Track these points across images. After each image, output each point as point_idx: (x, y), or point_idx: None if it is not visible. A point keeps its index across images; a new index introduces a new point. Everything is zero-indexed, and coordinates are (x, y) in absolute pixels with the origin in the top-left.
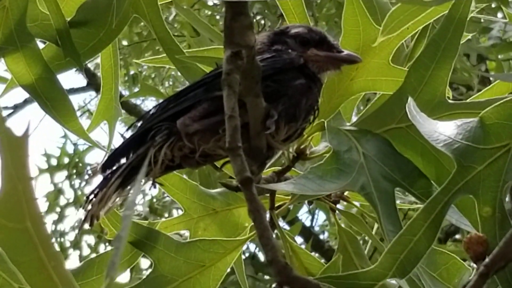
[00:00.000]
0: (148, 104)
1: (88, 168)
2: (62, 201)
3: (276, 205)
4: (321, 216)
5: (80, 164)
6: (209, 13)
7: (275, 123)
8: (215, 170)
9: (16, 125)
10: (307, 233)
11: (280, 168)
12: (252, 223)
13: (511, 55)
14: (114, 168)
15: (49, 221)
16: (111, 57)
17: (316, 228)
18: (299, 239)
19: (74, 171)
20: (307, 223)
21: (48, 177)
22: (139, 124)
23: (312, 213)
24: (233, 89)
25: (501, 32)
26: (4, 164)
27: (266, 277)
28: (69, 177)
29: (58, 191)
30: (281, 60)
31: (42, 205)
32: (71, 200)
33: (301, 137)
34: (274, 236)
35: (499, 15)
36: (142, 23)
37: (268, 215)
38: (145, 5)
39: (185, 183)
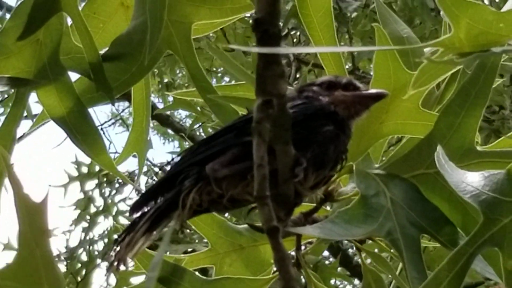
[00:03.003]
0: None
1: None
2: (92, 209)
3: (304, 242)
4: None
5: (111, 173)
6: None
7: (303, 170)
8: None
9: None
10: (335, 248)
11: (308, 209)
12: None
13: None
14: (143, 211)
15: (78, 229)
16: (143, 90)
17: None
18: (326, 253)
19: (105, 179)
20: None
21: (79, 185)
22: (169, 167)
23: None
24: (263, 138)
25: None
26: (22, 230)
27: None
28: (99, 185)
29: (88, 199)
30: (312, 106)
31: (72, 213)
32: (101, 208)
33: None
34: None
35: None
36: None
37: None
38: (178, 42)
39: (212, 218)
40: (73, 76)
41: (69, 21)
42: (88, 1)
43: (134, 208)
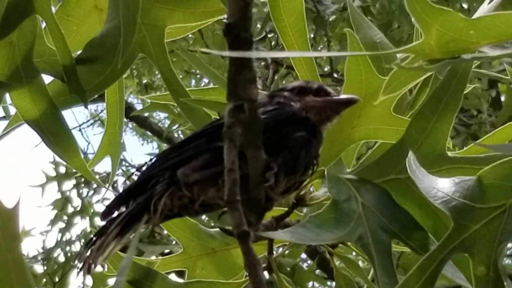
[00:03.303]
0: (160, 113)
1: (97, 177)
2: (69, 209)
3: (276, 246)
4: None
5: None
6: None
7: (274, 175)
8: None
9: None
10: (313, 251)
11: (280, 214)
12: None
13: None
14: (114, 215)
15: (55, 229)
16: (117, 92)
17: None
18: (304, 256)
19: (82, 179)
20: None
21: (56, 185)
22: (140, 172)
23: None
24: (234, 143)
25: None
26: None
27: None
28: (77, 185)
29: (66, 200)
30: (284, 112)
31: (49, 213)
32: (78, 209)
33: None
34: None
35: None
36: None
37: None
38: (151, 45)
39: (184, 221)
40: (47, 78)
41: (43, 23)
42: (61, 4)
43: (106, 212)
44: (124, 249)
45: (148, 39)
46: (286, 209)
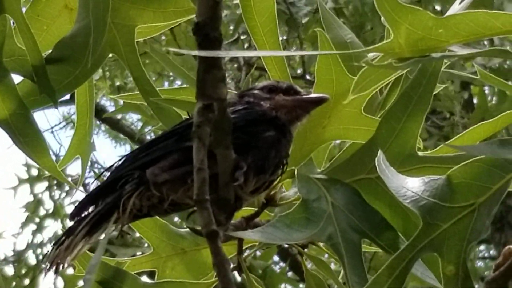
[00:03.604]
0: (132, 116)
1: (69, 179)
2: (42, 212)
3: (245, 247)
4: None
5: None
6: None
7: (244, 174)
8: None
9: None
10: (285, 253)
11: (250, 213)
12: None
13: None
14: (83, 215)
15: (27, 232)
16: (87, 93)
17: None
18: (276, 259)
19: (55, 182)
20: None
21: (28, 187)
22: (109, 172)
23: None
24: (203, 142)
25: (486, 60)
26: None
27: None
28: (49, 188)
29: (38, 202)
30: (254, 112)
31: (22, 215)
32: (50, 211)
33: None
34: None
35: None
36: None
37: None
38: (122, 45)
39: (154, 221)
40: (16, 78)
41: (13, 23)
42: (31, 3)
43: (75, 212)
44: (94, 250)
45: (118, 38)
46: (256, 209)
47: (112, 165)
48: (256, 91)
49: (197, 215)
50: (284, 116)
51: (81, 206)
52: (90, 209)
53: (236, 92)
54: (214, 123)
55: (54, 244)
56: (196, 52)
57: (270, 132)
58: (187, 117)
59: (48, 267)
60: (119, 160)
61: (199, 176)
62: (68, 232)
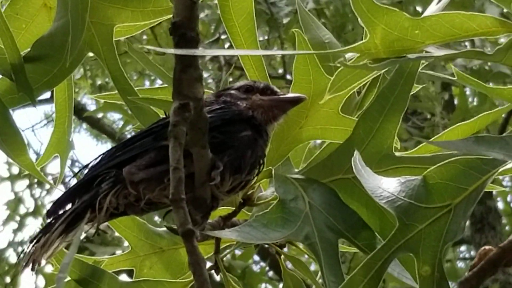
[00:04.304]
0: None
1: (50, 178)
2: (22, 210)
3: (223, 246)
4: None
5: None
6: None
7: (220, 174)
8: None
9: None
10: (265, 252)
11: (227, 213)
12: None
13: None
14: (60, 213)
15: (8, 230)
16: (66, 91)
17: None
18: (256, 258)
19: (35, 180)
20: None
21: (9, 185)
22: (86, 170)
23: None
24: (179, 141)
25: (467, 61)
26: None
27: None
28: (30, 186)
29: (19, 200)
30: (230, 111)
31: (2, 213)
32: (31, 210)
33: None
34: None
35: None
36: None
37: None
38: (100, 44)
39: (132, 220)
40: None
41: None
42: (10, 2)
43: (52, 210)
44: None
45: (97, 37)
46: (234, 208)
47: (89, 163)
48: (232, 91)
49: (173, 214)
50: (261, 116)
51: (58, 204)
52: (67, 207)
53: (213, 92)
54: (190, 122)
55: (30, 242)
56: (172, 51)
57: (247, 131)
58: (165, 116)
59: (24, 264)
60: (96, 158)
61: (175, 175)
62: (44, 230)
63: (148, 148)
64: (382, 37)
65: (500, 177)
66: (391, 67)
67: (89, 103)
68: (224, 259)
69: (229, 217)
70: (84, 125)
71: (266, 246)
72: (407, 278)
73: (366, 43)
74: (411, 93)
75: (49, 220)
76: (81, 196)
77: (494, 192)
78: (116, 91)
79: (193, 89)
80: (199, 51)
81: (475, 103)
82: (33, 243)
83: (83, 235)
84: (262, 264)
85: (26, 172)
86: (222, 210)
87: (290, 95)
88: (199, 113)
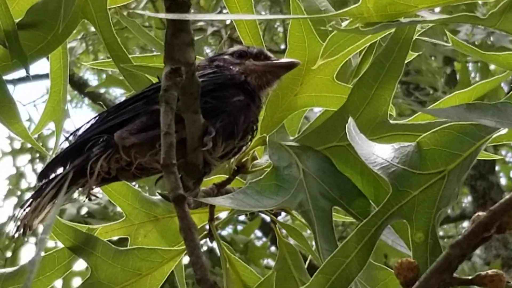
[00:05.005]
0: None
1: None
2: (24, 184)
3: (217, 215)
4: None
5: (44, 148)
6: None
7: (212, 140)
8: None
9: None
10: (267, 227)
11: (221, 180)
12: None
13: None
14: (50, 177)
15: (9, 204)
16: (61, 59)
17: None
18: (258, 233)
19: (37, 155)
20: (268, 217)
21: (11, 160)
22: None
23: None
24: (171, 106)
25: (469, 35)
26: None
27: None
28: (31, 161)
29: (20, 175)
30: (223, 76)
31: (4, 188)
32: (32, 184)
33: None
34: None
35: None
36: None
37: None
38: (94, 10)
39: (127, 188)
40: None
41: None
42: None
43: (43, 174)
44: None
45: (91, 4)
46: (228, 176)
47: (80, 127)
48: (226, 56)
49: (164, 180)
50: (254, 81)
51: (49, 167)
52: (59, 171)
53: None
54: (182, 87)
55: (21, 206)
56: (163, 15)
57: (239, 96)
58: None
59: (15, 228)
60: (88, 122)
61: (166, 140)
62: (35, 195)
63: (139, 112)
64: (374, 1)
65: (503, 153)
66: (382, 31)
67: (91, 78)
68: (226, 233)
69: (223, 185)
70: (86, 100)
71: (269, 221)
72: (401, 246)
73: (359, 7)
74: (408, 62)
75: (40, 184)
76: (72, 160)
77: (496, 168)
78: (110, 60)
79: (185, 54)
80: (190, 15)
81: (477, 78)
82: (24, 207)
83: (86, 210)
84: (264, 239)
85: (28, 147)
86: (216, 178)
87: (283, 60)
88: (191, 78)
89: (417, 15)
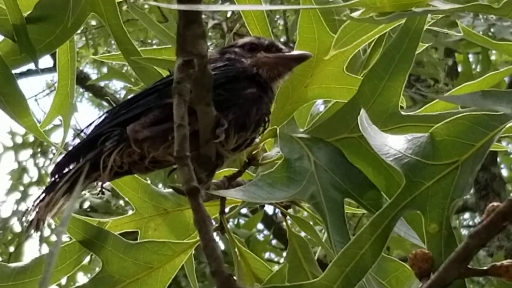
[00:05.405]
0: (115, 84)
1: (53, 147)
2: (26, 179)
3: (228, 207)
4: None
5: (45, 143)
6: None
7: (225, 132)
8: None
9: None
10: (269, 220)
11: (232, 172)
12: None
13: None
14: (63, 172)
15: (11, 200)
16: (68, 53)
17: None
18: (260, 226)
19: (39, 149)
20: (270, 210)
21: (13, 155)
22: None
23: None
24: (183, 98)
25: (470, 27)
26: None
27: None
28: (33, 155)
29: (22, 170)
30: (234, 68)
31: (7, 183)
32: (34, 179)
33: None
34: (219, 246)
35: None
36: None
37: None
38: (102, 4)
39: (137, 182)
40: None
41: None
42: None
43: (56, 169)
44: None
45: None
46: (238, 168)
47: (92, 122)
48: (237, 49)
49: (178, 172)
50: (266, 73)
51: (62, 163)
52: (71, 166)
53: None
54: (194, 79)
55: (34, 201)
56: (175, 6)
57: (251, 89)
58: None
59: (29, 223)
60: (100, 116)
61: (180, 132)
62: (48, 189)
63: (152, 106)
64: None
65: (504, 144)
66: (395, 21)
67: (91, 72)
68: (229, 227)
69: (234, 177)
70: (86, 94)
71: (271, 214)
72: (414, 237)
73: None
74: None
75: (53, 179)
76: (85, 154)
77: (498, 159)
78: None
79: (197, 46)
80: (202, 6)
81: (478, 70)
82: (37, 202)
83: (88, 204)
84: (266, 232)
85: (30, 141)
86: (227, 171)
87: (295, 52)
88: (203, 70)
89: (429, 4)
